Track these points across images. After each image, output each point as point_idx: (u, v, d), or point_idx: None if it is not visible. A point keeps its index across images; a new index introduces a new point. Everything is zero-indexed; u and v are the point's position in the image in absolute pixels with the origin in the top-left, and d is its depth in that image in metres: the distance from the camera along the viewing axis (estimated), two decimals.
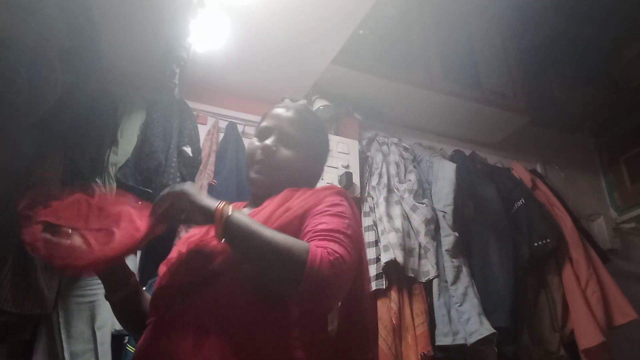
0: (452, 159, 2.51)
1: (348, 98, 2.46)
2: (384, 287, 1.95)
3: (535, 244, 2.27)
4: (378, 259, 2.01)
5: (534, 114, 2.81)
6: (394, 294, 1.96)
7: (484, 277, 2.12)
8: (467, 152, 2.63)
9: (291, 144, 1.16)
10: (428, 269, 2.07)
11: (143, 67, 1.98)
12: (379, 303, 1.96)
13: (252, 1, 1.83)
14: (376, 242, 2.07)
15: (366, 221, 2.17)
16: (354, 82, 2.39)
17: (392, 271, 1.99)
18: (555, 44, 2.99)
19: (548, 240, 2.26)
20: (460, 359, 1.97)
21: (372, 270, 1.99)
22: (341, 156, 2.27)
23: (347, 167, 2.25)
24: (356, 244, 0.98)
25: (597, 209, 3.03)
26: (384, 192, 2.20)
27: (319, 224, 0.96)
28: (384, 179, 2.25)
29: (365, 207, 2.21)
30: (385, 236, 2.04)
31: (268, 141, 1.15)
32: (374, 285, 1.95)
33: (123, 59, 1.92)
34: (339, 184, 2.18)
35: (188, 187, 0.94)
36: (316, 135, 1.24)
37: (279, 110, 1.22)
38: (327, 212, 1.00)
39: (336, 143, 2.30)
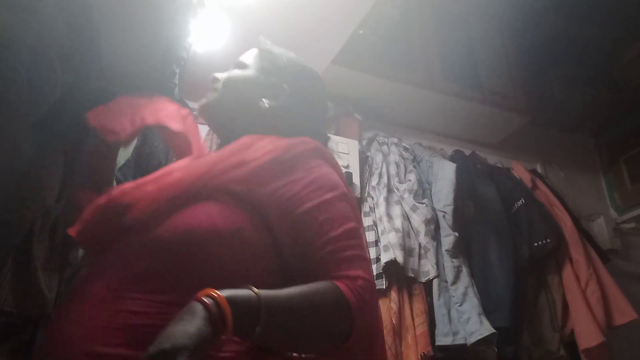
0: (452, 159, 2.51)
1: (348, 98, 2.46)
2: (384, 287, 1.95)
3: (535, 244, 2.27)
4: (378, 259, 2.01)
5: (534, 114, 2.81)
6: (394, 294, 1.96)
7: (484, 277, 2.11)
8: (467, 152, 2.62)
9: (245, 65, 1.07)
10: (428, 269, 2.07)
11: (143, 67, 1.98)
12: (379, 303, 1.96)
13: (252, 1, 1.83)
14: (376, 242, 2.07)
15: (366, 221, 2.16)
16: (354, 82, 2.39)
17: (392, 271, 1.99)
18: (555, 44, 2.99)
19: (548, 240, 2.26)
20: (460, 359, 1.97)
21: (372, 270, 1.99)
22: (341, 156, 2.27)
23: (347, 167, 2.25)
24: (356, 216, 0.86)
25: (597, 209, 3.03)
26: (384, 192, 2.19)
27: (322, 226, 0.78)
28: (384, 179, 2.25)
29: (365, 207, 2.21)
30: (385, 236, 2.04)
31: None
32: None
33: (123, 59, 1.91)
34: None
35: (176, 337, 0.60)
36: (291, 67, 1.07)
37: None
38: (320, 199, 0.80)
39: (336, 143, 2.30)
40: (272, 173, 0.81)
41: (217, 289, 0.65)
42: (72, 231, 0.87)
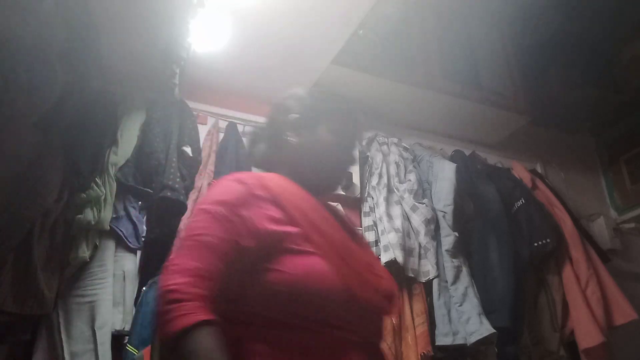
0: (452, 159, 2.51)
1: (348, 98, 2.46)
2: None
3: (535, 244, 2.27)
4: (378, 259, 2.01)
5: (534, 114, 2.81)
6: None
7: (484, 277, 2.11)
8: (467, 152, 2.62)
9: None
10: (428, 269, 2.07)
11: (143, 67, 1.98)
12: None
13: (252, 2, 1.83)
14: (376, 242, 2.07)
15: (366, 221, 2.17)
16: (354, 82, 2.39)
17: (392, 271, 1.98)
18: (555, 44, 2.99)
19: (548, 240, 2.26)
20: (460, 359, 1.97)
21: None
22: None
23: None
24: None
25: (597, 209, 3.03)
26: (384, 192, 2.19)
27: None
28: (384, 179, 2.25)
29: (365, 207, 2.21)
30: (385, 236, 2.04)
31: None
32: None
33: (123, 59, 1.92)
34: None
35: None
36: None
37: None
38: None
39: None
40: None
41: None
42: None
